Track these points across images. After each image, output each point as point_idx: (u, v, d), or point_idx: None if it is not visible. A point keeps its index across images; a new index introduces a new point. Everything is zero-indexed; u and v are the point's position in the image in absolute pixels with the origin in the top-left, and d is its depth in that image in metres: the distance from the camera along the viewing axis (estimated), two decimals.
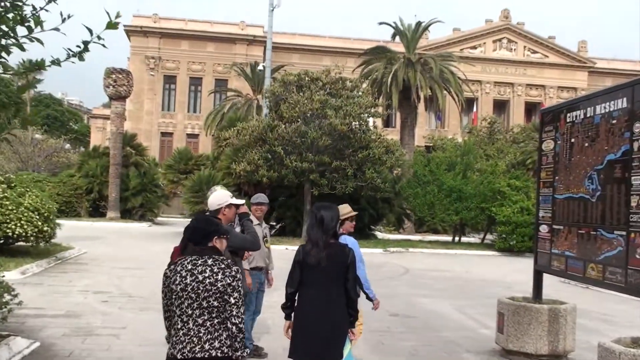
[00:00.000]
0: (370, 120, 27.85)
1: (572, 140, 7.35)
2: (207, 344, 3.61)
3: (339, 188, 24.93)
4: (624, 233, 6.21)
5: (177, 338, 3.65)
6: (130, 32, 60.37)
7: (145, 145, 46.21)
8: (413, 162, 30.55)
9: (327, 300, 4.83)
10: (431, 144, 51.50)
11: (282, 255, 19.84)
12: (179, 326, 3.65)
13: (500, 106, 65.83)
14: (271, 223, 29.78)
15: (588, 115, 7.04)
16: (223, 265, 3.70)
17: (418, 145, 46.41)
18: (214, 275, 3.64)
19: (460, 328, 10.16)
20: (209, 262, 3.70)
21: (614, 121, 6.51)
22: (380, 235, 31.07)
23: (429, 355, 8.24)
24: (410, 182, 28.81)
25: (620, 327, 10.67)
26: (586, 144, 7.03)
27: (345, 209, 6.46)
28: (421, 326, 10.13)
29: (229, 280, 3.66)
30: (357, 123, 26.04)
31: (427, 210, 28.28)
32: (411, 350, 8.38)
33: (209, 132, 45.91)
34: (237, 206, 5.82)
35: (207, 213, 5.77)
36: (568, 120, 7.49)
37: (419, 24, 39.48)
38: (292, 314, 5.04)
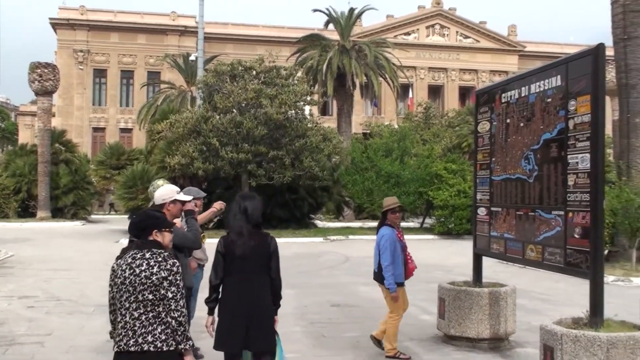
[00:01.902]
0: (307, 108, 27.59)
1: (508, 120, 7.23)
2: (141, 337, 3.65)
3: (276, 178, 24.64)
4: (561, 213, 6.11)
5: (118, 331, 3.75)
6: (57, 25, 58.26)
7: (76, 141, 44.88)
8: (351, 149, 30.45)
9: (251, 289, 4.81)
10: (368, 131, 51.62)
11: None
12: (119, 319, 3.74)
13: (435, 91, 66.63)
14: None
15: (523, 94, 6.92)
16: (160, 259, 3.72)
17: (355, 133, 46.46)
18: (150, 268, 3.67)
19: (405, 315, 10.00)
20: (147, 255, 3.74)
21: (549, 100, 6.40)
22: (320, 223, 30.94)
23: (372, 345, 8.03)
24: (348, 169, 28.71)
25: (559, 305, 10.74)
26: (522, 124, 6.91)
27: (388, 201, 7.56)
28: (363, 316, 9.95)
29: (164, 273, 3.67)
30: (293, 112, 25.77)
31: (366, 197, 28.25)
32: (354, 342, 8.17)
33: (142, 126, 44.78)
34: (183, 202, 5.75)
35: (151, 207, 5.76)
36: (503, 101, 7.36)
37: (352, 10, 39.41)
38: (216, 308, 4.98)
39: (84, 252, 18.66)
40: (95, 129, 59.19)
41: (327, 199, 29.59)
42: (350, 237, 25.42)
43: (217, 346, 4.88)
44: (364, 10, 40.28)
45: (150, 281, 3.65)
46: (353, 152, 29.49)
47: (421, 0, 65.75)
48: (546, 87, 6.47)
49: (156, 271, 3.67)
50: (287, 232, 24.99)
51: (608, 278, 13.22)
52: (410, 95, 60.41)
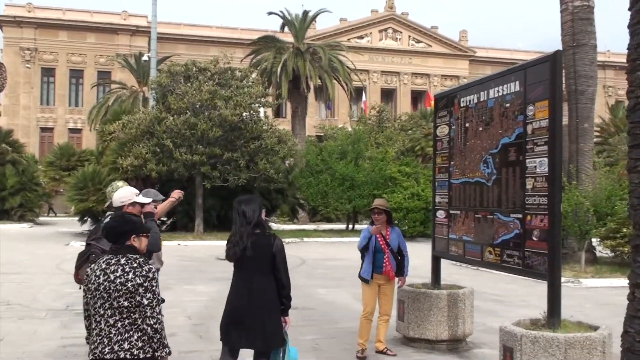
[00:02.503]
0: (261, 110, 27.53)
1: (467, 124, 7.33)
2: (117, 345, 3.58)
3: (231, 180, 24.50)
4: (520, 216, 6.23)
5: (92, 338, 3.67)
6: (2, 22, 56.74)
7: (23, 141, 43.90)
8: (305, 151, 30.50)
9: (250, 289, 4.94)
10: (322, 133, 51.77)
11: (175, 252, 19.26)
12: (94, 326, 3.66)
13: (388, 95, 67.23)
14: (162, 219, 28.88)
15: (481, 99, 7.03)
16: (135, 265, 3.64)
17: (309, 135, 46.53)
18: (125, 274, 3.59)
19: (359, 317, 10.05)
20: (122, 261, 3.66)
21: (508, 105, 6.52)
22: (274, 226, 30.84)
23: (331, 348, 8.06)
24: (303, 171, 28.75)
25: (513, 306, 10.96)
26: (480, 128, 7.02)
27: (374, 202, 7.80)
28: (321, 318, 9.96)
29: (140, 280, 3.60)
30: (248, 113, 25.67)
31: (320, 200, 28.34)
32: (313, 345, 8.18)
33: (92, 127, 43.89)
34: (142, 205, 5.70)
35: (106, 208, 5.76)
36: (462, 105, 7.47)
37: (306, 13, 39.46)
38: None
39: (33, 256, 18.18)
40: (43, 129, 57.78)
41: (282, 202, 29.55)
42: (305, 239, 25.45)
43: (220, 338, 5.12)
44: (318, 13, 40.42)
45: (125, 288, 3.57)
46: (308, 155, 29.55)
47: (374, 4, 66.39)
48: (505, 93, 6.58)
49: (131, 277, 3.59)
50: None
51: None
52: (364, 98, 60.81)
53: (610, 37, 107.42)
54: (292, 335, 8.51)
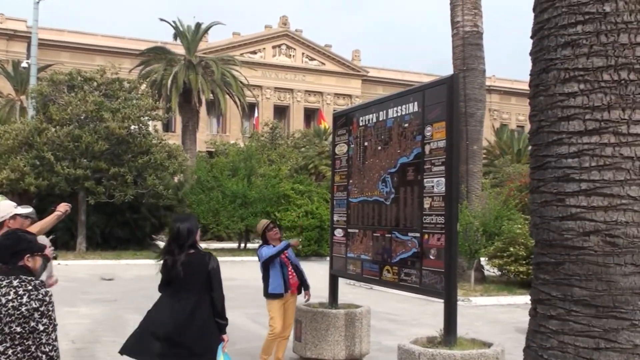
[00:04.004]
0: (151, 123, 26.74)
1: (366, 143, 7.32)
2: None
3: (117, 196, 23.54)
4: (417, 234, 6.25)
5: None
6: None
7: None
8: (196, 167, 29.86)
9: (183, 310, 4.82)
10: (213, 149, 51.05)
11: (55, 272, 18.15)
12: None
13: (281, 111, 67.36)
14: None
15: (381, 119, 7.04)
16: (30, 287, 3.38)
17: (200, 151, 45.76)
18: (19, 298, 3.32)
19: (255, 338, 9.78)
20: (15, 283, 3.38)
21: (406, 125, 6.55)
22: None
23: None
24: (193, 188, 28.07)
25: (406, 325, 11.06)
26: (379, 148, 7.02)
27: (262, 223, 7.61)
28: None
29: (36, 304, 3.34)
30: (136, 126, 24.82)
31: (211, 217, 27.70)
32: None
33: None
34: (23, 217, 5.30)
35: None
36: (361, 124, 7.45)
37: (199, 25, 38.99)
38: None
39: None
40: None
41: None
42: None
43: (125, 350, 4.91)
44: (211, 25, 40.05)
45: (19, 312, 3.28)
46: (198, 171, 28.92)
47: (268, 20, 66.49)
48: (403, 113, 6.62)
49: (26, 301, 3.30)
50: (127, 254, 23.96)
51: None
52: (256, 114, 60.59)
53: (496, 63, 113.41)
54: None
